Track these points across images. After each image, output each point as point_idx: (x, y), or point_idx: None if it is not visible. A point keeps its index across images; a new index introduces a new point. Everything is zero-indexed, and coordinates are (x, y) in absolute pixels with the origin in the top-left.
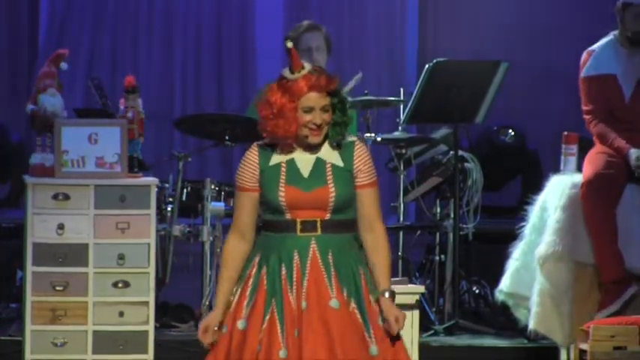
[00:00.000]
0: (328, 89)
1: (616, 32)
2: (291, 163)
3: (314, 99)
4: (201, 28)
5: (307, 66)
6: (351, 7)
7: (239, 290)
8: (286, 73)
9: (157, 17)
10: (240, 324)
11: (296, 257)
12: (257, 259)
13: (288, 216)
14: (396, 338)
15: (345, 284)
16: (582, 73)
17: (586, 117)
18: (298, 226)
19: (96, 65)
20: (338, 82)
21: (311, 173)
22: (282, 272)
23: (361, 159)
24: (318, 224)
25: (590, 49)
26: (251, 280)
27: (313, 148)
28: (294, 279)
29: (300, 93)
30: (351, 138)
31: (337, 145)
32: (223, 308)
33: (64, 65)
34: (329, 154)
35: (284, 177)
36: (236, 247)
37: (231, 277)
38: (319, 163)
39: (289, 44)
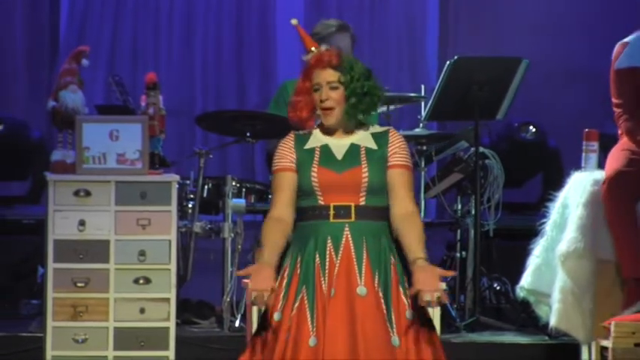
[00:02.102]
0: (331, 64)
1: None
2: (325, 147)
3: (319, 75)
4: (222, 26)
5: (323, 47)
6: (372, 5)
7: (277, 283)
8: (304, 56)
9: (177, 14)
10: (276, 316)
11: (329, 244)
12: (293, 252)
13: (321, 201)
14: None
15: (377, 269)
16: (615, 65)
17: (616, 110)
18: (331, 212)
19: (117, 62)
20: (344, 58)
21: (345, 156)
22: (316, 260)
23: (396, 143)
24: (353, 210)
25: (624, 40)
26: (287, 272)
27: (346, 135)
28: (327, 266)
29: (308, 71)
30: (386, 127)
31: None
32: (268, 263)
33: (85, 62)
34: (364, 140)
35: (317, 159)
36: (277, 225)
37: (275, 246)
38: (353, 148)
39: (294, 21)
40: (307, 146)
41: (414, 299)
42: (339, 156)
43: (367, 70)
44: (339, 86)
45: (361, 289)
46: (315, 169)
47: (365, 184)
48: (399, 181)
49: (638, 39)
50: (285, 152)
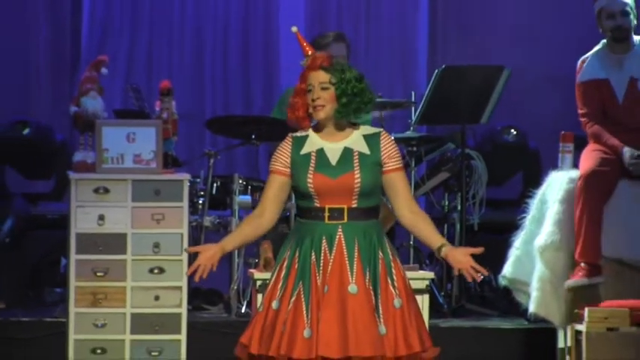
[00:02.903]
0: (323, 66)
1: (604, 40)
2: (321, 152)
3: (312, 77)
4: (229, 37)
5: (319, 53)
6: (367, 15)
7: (275, 272)
8: (302, 62)
9: (188, 27)
10: (274, 304)
11: (324, 244)
12: (291, 244)
13: (317, 203)
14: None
15: (367, 265)
16: (577, 79)
17: (582, 119)
18: (326, 214)
19: (133, 71)
20: (332, 61)
21: (339, 161)
22: (312, 258)
23: (389, 147)
24: (345, 212)
25: (583, 57)
26: (285, 264)
27: (340, 138)
28: (322, 264)
29: (304, 74)
30: (377, 129)
31: (354, 125)
32: (220, 245)
33: (104, 70)
34: (356, 143)
35: (313, 165)
36: (251, 219)
37: (237, 235)
38: (347, 152)
39: (294, 29)
40: (304, 151)
41: (405, 287)
42: (334, 161)
43: (359, 74)
44: (330, 87)
45: (352, 287)
46: (311, 175)
47: (357, 189)
48: (399, 184)
49: (596, 54)
50: (281, 155)
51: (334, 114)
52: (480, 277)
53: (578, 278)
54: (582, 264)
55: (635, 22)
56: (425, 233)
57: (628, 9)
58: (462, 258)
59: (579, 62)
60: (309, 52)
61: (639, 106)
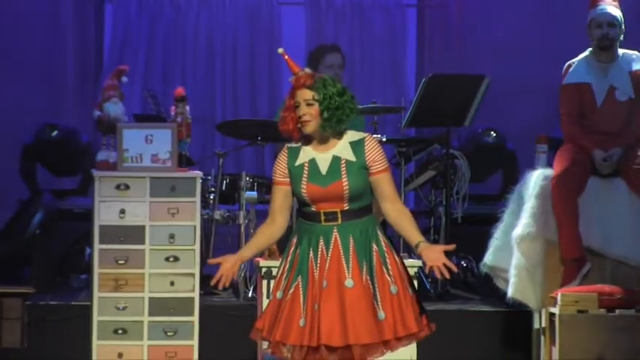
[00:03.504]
0: (306, 85)
1: (591, 49)
2: (313, 163)
3: (298, 94)
4: (237, 49)
5: (304, 70)
6: (361, 29)
7: (281, 266)
8: (290, 79)
9: (201, 40)
10: (278, 294)
11: (321, 243)
12: (294, 241)
13: (313, 208)
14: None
15: (362, 259)
16: (563, 82)
17: (562, 117)
18: (322, 217)
19: (151, 79)
20: (315, 79)
21: (328, 170)
22: (310, 255)
23: (372, 151)
24: (339, 214)
25: (570, 61)
26: (289, 259)
27: (329, 147)
28: (319, 261)
29: (292, 91)
30: (362, 134)
31: (340, 135)
32: (239, 255)
33: (124, 79)
34: (343, 151)
35: (306, 176)
36: (264, 228)
37: (253, 244)
38: (335, 161)
39: (280, 50)
40: (298, 162)
41: (400, 275)
42: (324, 171)
43: (341, 89)
44: (314, 103)
45: (349, 282)
46: (304, 185)
47: (347, 194)
48: (383, 185)
49: (581, 60)
50: (279, 167)
51: (319, 127)
52: (448, 274)
53: (570, 281)
54: (569, 261)
55: (622, 36)
56: (405, 231)
57: (615, 21)
58: (433, 256)
59: (565, 66)
60: (296, 71)
61: (615, 112)
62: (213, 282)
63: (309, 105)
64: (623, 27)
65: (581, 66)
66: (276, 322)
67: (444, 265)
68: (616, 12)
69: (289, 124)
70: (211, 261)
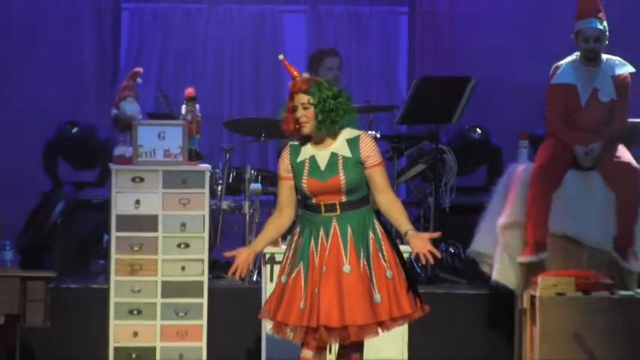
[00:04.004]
0: (302, 90)
1: (578, 53)
2: (313, 159)
3: (295, 98)
4: (244, 53)
5: (302, 75)
6: (357, 35)
7: (286, 253)
8: (290, 84)
9: (210, 45)
10: (283, 278)
11: (321, 232)
12: (298, 231)
13: (314, 200)
14: (409, 288)
15: (360, 247)
16: (551, 82)
17: (548, 115)
18: (322, 208)
19: (164, 80)
20: (310, 84)
21: (327, 166)
22: (311, 243)
23: (366, 147)
24: (337, 206)
25: (558, 63)
26: (292, 246)
27: (327, 144)
28: (319, 249)
29: (291, 94)
30: (358, 132)
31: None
32: (252, 247)
33: (139, 80)
34: (340, 148)
35: (307, 171)
36: (273, 220)
37: (264, 236)
38: (333, 157)
39: (280, 57)
40: (299, 158)
41: (395, 261)
42: (323, 166)
43: (336, 92)
44: (310, 106)
45: (346, 268)
46: (305, 180)
47: (344, 188)
48: (377, 178)
49: (569, 63)
50: (283, 163)
51: (315, 128)
52: (432, 260)
53: (527, 255)
54: (531, 242)
55: (607, 42)
56: (396, 220)
57: (602, 35)
58: (419, 243)
59: (553, 68)
60: (295, 75)
61: (597, 112)
62: (230, 273)
63: (305, 108)
64: (607, 36)
65: (568, 68)
66: (280, 304)
67: (430, 251)
68: (602, 25)
69: (290, 124)
70: (226, 254)
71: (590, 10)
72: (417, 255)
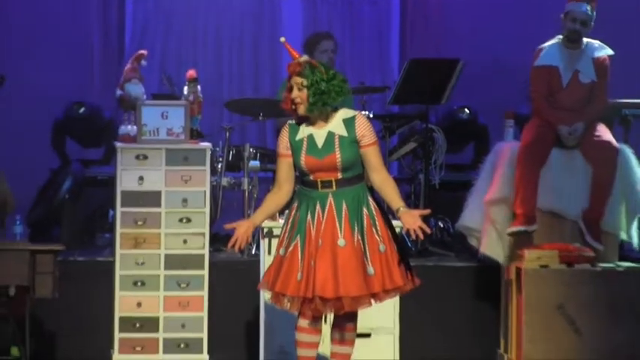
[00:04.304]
0: (297, 72)
1: (560, 36)
2: (310, 138)
3: (292, 80)
4: (243, 36)
5: (302, 56)
6: (351, 19)
7: (284, 227)
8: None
9: (210, 28)
10: (281, 251)
11: (318, 207)
12: (295, 205)
13: (311, 177)
14: (400, 262)
15: (354, 222)
16: (534, 64)
17: (533, 95)
18: (319, 185)
19: (167, 62)
20: (304, 67)
21: (324, 144)
22: (308, 218)
23: (361, 127)
24: (333, 182)
25: (541, 46)
26: (290, 220)
27: (324, 124)
28: (315, 223)
29: (289, 76)
30: (354, 112)
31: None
32: (251, 220)
33: (143, 62)
34: (337, 127)
35: (305, 149)
36: (272, 196)
37: (263, 210)
38: (330, 136)
39: (282, 39)
40: (298, 137)
41: (388, 235)
42: (320, 144)
43: (332, 74)
44: (304, 88)
45: (341, 241)
46: (303, 157)
47: (340, 165)
48: (371, 157)
49: (552, 45)
50: (282, 141)
51: (307, 109)
52: (422, 236)
53: (517, 225)
54: (521, 214)
55: (591, 27)
56: (388, 197)
57: (588, 20)
58: (410, 220)
59: (537, 50)
60: (296, 56)
61: (577, 92)
62: (229, 245)
63: (299, 89)
64: (592, 25)
65: (551, 50)
66: (278, 275)
67: (420, 227)
68: (591, 12)
69: (288, 103)
70: (227, 225)
71: None
72: (408, 231)
